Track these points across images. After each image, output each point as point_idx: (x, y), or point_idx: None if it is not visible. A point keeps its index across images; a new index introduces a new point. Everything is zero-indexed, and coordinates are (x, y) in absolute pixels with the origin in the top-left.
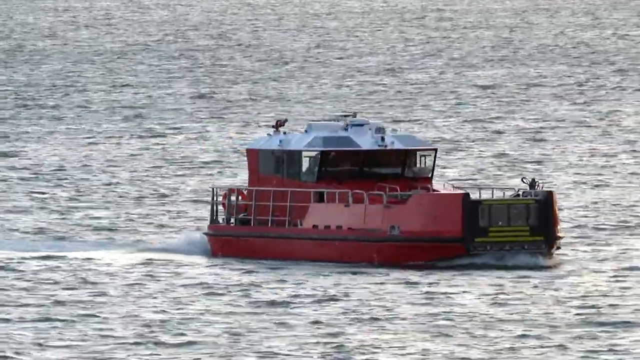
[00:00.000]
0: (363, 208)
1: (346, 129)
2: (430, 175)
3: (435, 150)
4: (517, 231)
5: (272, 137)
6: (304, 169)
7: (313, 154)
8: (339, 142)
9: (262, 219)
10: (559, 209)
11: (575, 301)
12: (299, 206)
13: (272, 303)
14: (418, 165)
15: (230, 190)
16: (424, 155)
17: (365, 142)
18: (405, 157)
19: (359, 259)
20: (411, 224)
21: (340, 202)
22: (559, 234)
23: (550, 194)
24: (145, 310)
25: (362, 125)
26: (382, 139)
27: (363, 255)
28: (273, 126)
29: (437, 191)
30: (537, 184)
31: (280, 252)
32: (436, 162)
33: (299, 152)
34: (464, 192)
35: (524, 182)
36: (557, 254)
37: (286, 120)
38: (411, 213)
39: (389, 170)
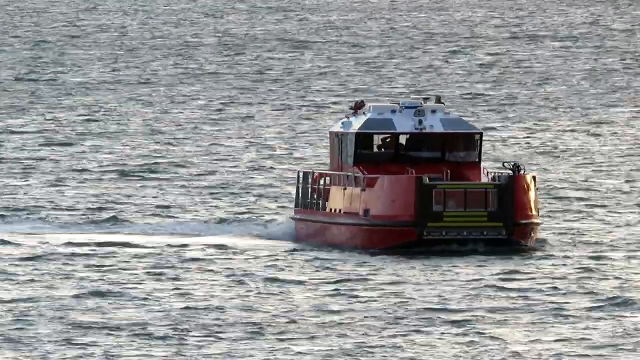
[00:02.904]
0: (351, 192)
1: (394, 112)
2: (476, 160)
3: (480, 134)
4: (474, 216)
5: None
6: (350, 152)
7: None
8: (378, 124)
9: (312, 203)
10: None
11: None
12: (329, 190)
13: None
14: (465, 150)
15: (319, 174)
16: (477, 140)
17: (405, 125)
18: (444, 141)
19: (351, 243)
20: (376, 207)
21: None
22: (530, 221)
23: (512, 179)
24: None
25: (414, 107)
26: (420, 122)
27: (351, 240)
28: (351, 108)
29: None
30: (519, 168)
31: (314, 236)
32: (482, 146)
33: (346, 135)
34: (417, 175)
35: (505, 166)
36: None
37: (362, 102)
38: (376, 196)
39: (427, 154)
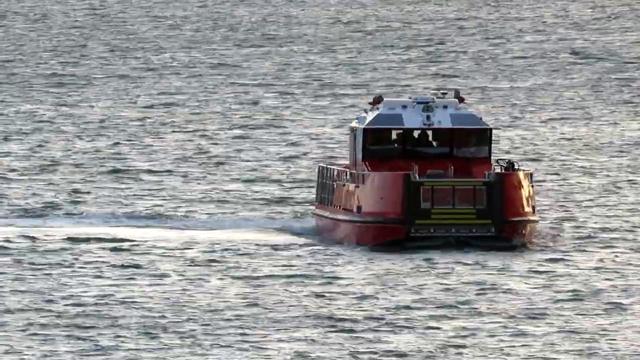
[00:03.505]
0: (347, 188)
1: (405, 107)
2: (487, 156)
3: (490, 130)
4: (463, 214)
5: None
6: (360, 147)
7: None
8: (387, 120)
9: (326, 199)
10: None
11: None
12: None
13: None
14: (474, 145)
15: (333, 170)
16: (487, 135)
17: (414, 121)
18: (452, 136)
19: (347, 240)
20: (367, 204)
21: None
22: (521, 218)
23: (502, 176)
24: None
25: (426, 102)
26: (428, 117)
27: (348, 236)
28: (370, 103)
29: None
30: (514, 166)
31: (326, 232)
32: (492, 142)
33: (358, 130)
34: (405, 172)
35: (499, 163)
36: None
37: (381, 97)
38: (367, 194)
39: (435, 149)
